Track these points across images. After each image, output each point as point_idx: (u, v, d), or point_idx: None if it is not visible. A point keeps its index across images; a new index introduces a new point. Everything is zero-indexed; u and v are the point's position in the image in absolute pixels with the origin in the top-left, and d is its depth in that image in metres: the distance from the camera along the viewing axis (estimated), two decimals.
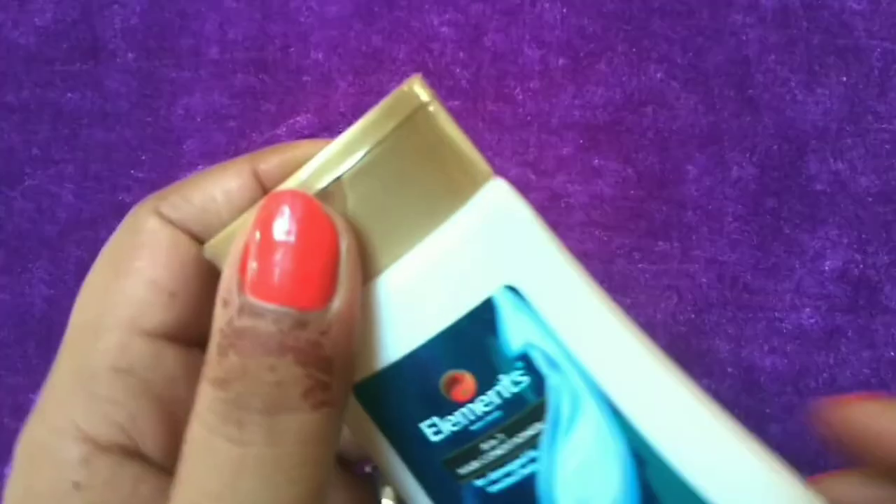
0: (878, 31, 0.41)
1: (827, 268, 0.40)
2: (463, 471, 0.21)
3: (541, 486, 0.20)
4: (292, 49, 0.42)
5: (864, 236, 0.40)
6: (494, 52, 0.42)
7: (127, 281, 0.23)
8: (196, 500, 0.18)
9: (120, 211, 0.41)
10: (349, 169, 0.19)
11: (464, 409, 0.20)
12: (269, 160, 0.23)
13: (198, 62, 0.42)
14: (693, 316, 0.40)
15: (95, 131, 0.42)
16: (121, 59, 0.42)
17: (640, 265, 0.40)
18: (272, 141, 0.41)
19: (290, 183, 0.19)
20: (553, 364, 0.20)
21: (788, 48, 0.41)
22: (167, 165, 0.41)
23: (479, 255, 0.20)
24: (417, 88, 0.20)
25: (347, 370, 0.19)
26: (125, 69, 0.42)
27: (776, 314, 0.40)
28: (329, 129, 0.41)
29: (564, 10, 0.42)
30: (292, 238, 0.18)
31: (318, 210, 0.18)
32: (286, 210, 0.18)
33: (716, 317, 0.40)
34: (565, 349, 0.20)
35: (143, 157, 0.41)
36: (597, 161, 0.41)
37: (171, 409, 0.21)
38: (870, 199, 0.40)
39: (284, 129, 0.41)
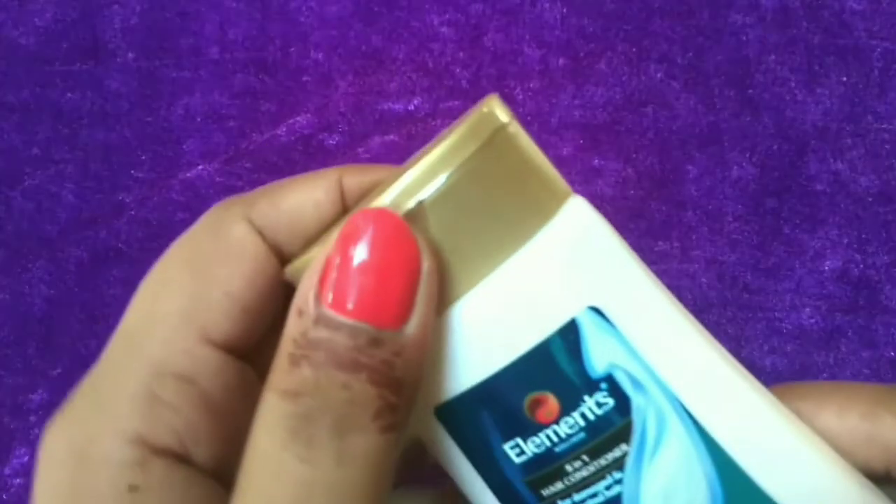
0: (878, 31, 0.41)
1: (827, 268, 0.40)
2: (547, 492, 0.21)
3: None
4: (292, 49, 0.42)
5: (864, 236, 0.40)
6: (494, 52, 0.42)
7: (204, 287, 0.22)
8: None
9: (120, 211, 0.41)
10: (432, 192, 0.19)
11: (548, 431, 0.20)
12: (355, 176, 0.23)
13: (198, 62, 0.42)
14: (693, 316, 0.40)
15: (95, 131, 0.42)
16: (121, 59, 0.42)
17: None
18: (272, 141, 0.41)
19: (376, 202, 0.19)
20: (638, 385, 0.20)
21: (788, 48, 0.41)
22: (167, 165, 0.41)
23: (562, 276, 0.20)
24: (497, 110, 0.20)
25: (414, 394, 0.19)
26: (125, 69, 0.42)
27: (776, 314, 0.40)
28: (329, 128, 0.41)
29: (564, 10, 0.42)
30: (376, 255, 0.18)
31: (403, 230, 0.18)
32: (372, 227, 0.18)
33: (716, 317, 0.40)
34: (650, 370, 0.20)
35: (143, 157, 0.41)
36: (597, 161, 0.41)
37: (225, 419, 0.21)
38: (870, 199, 0.40)
39: (284, 129, 0.41)
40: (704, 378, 0.21)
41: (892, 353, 0.39)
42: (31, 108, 0.42)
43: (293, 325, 0.18)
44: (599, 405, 0.20)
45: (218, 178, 0.41)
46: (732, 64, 0.41)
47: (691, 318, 0.22)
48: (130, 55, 0.42)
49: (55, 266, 0.41)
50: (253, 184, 0.41)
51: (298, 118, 0.41)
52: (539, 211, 0.20)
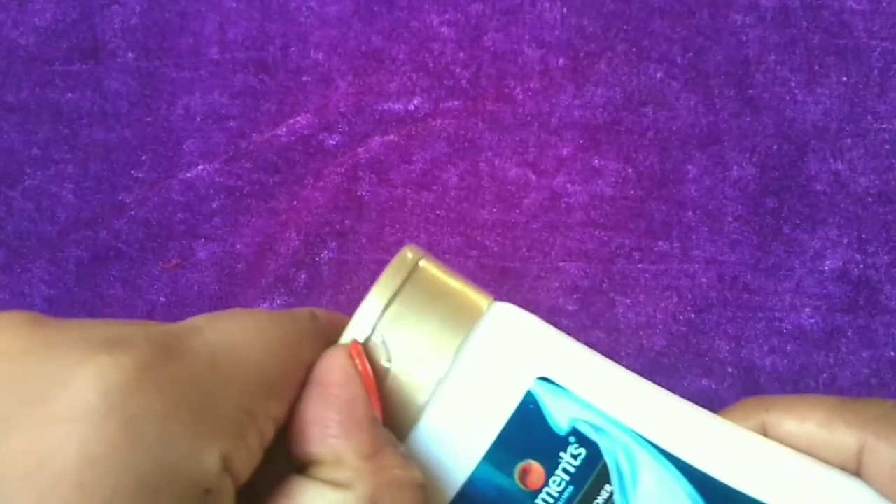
0: (878, 31, 0.41)
1: (827, 268, 0.40)
2: None
3: None
4: (292, 49, 0.42)
5: (864, 236, 0.40)
6: (494, 52, 0.42)
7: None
8: None
9: (120, 211, 0.41)
10: (377, 322, 0.23)
11: (542, 495, 0.22)
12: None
13: (198, 62, 0.42)
14: (693, 316, 0.40)
15: (95, 131, 0.42)
16: (121, 59, 0.42)
17: (640, 265, 0.40)
18: (272, 141, 0.41)
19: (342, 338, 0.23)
20: (599, 430, 0.23)
21: (788, 48, 0.41)
22: (167, 165, 0.41)
23: (505, 359, 0.23)
24: (409, 253, 0.24)
25: None
26: (125, 69, 0.42)
27: (776, 314, 0.40)
28: (329, 129, 0.41)
29: (564, 10, 0.42)
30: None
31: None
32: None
33: (716, 317, 0.40)
34: (604, 415, 0.23)
35: (143, 157, 0.41)
36: (597, 161, 0.41)
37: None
38: (870, 199, 0.40)
39: (284, 129, 0.41)
40: (650, 409, 0.24)
41: (892, 353, 0.39)
42: (31, 108, 0.42)
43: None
44: (574, 457, 0.23)
45: (218, 178, 0.41)
46: (732, 64, 0.41)
47: (614, 363, 0.25)
48: (130, 55, 0.42)
49: (55, 266, 0.41)
50: (253, 184, 0.41)
51: (298, 118, 0.41)
52: (468, 317, 0.23)
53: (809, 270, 0.40)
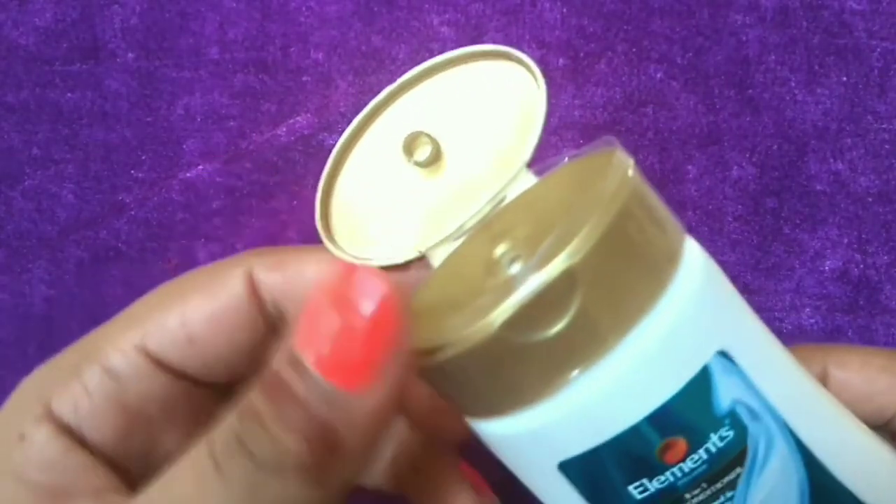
0: (878, 31, 0.41)
1: (827, 268, 0.40)
2: None
3: None
4: (292, 49, 0.42)
5: (864, 236, 0.40)
6: None
7: (167, 307, 0.25)
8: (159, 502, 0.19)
9: (120, 211, 0.41)
10: (581, 257, 0.19)
11: (674, 469, 0.21)
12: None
13: (198, 62, 0.42)
14: None
15: (95, 131, 0.42)
16: (121, 59, 0.42)
17: None
18: (272, 141, 0.41)
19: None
20: (754, 415, 0.21)
21: (788, 48, 0.41)
22: (167, 165, 0.41)
23: (696, 327, 0.20)
24: (618, 157, 0.21)
25: (357, 459, 0.19)
26: (125, 69, 0.42)
27: (776, 314, 0.40)
28: (329, 128, 0.41)
29: (564, 10, 0.42)
30: (365, 323, 0.18)
31: (394, 306, 0.19)
32: (377, 293, 0.19)
33: None
34: (764, 400, 0.21)
35: (143, 157, 0.41)
36: None
37: (134, 418, 0.23)
38: (870, 199, 0.40)
39: (284, 129, 0.41)
40: (801, 398, 0.23)
41: None
42: (30, 108, 0.42)
43: (276, 356, 0.19)
44: (722, 439, 0.21)
45: (218, 178, 0.41)
46: (732, 64, 0.41)
47: (783, 346, 0.24)
48: (130, 55, 0.42)
49: (55, 266, 0.41)
50: (253, 184, 0.41)
51: (298, 118, 0.41)
52: (667, 261, 0.20)
53: (809, 270, 0.40)
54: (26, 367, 0.40)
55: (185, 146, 0.41)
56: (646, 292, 0.20)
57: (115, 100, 0.42)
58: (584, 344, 0.20)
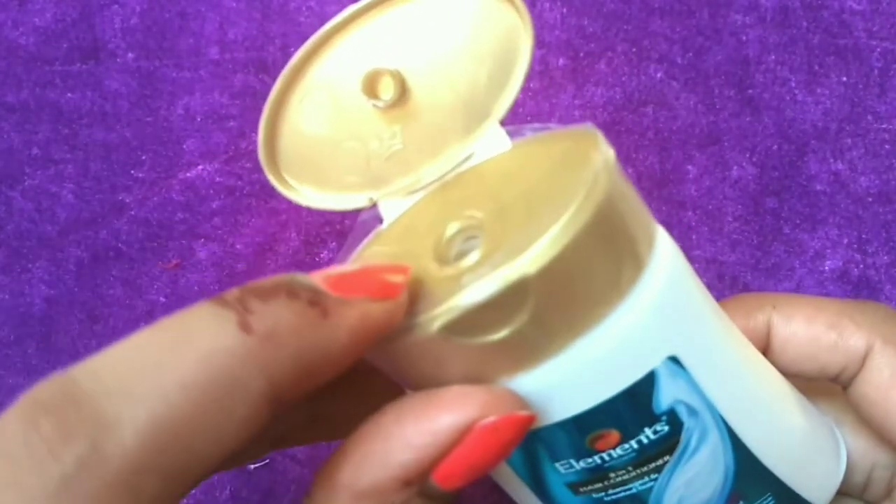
0: (878, 31, 0.41)
1: (827, 268, 0.40)
2: (584, 489, 0.21)
3: (653, 494, 0.21)
4: (292, 49, 0.42)
5: (864, 236, 0.40)
6: None
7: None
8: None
9: (120, 211, 0.41)
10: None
11: (602, 455, 0.21)
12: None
13: (198, 62, 0.42)
14: None
15: (95, 131, 0.42)
16: (121, 59, 0.42)
17: None
18: None
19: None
20: (692, 412, 0.21)
21: (788, 48, 0.41)
22: (167, 165, 0.41)
23: (649, 336, 0.20)
24: (599, 151, 0.20)
25: (302, 355, 0.18)
26: (125, 69, 0.42)
27: None
28: None
29: (564, 10, 0.42)
30: (360, 269, 0.19)
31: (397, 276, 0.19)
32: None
33: None
34: (706, 398, 0.21)
35: (143, 157, 0.41)
36: None
37: None
38: (870, 199, 0.40)
39: None
40: (742, 393, 0.22)
41: None
42: (31, 108, 0.42)
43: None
44: (656, 433, 0.21)
45: (218, 178, 0.41)
46: (732, 64, 0.41)
47: (738, 334, 0.23)
48: (130, 55, 0.42)
49: (55, 266, 0.41)
50: (253, 184, 0.41)
51: None
52: (631, 269, 0.20)
53: (809, 270, 0.40)
54: (26, 368, 0.40)
55: (185, 146, 0.41)
56: (601, 303, 0.19)
57: (115, 100, 0.42)
58: (531, 348, 0.19)
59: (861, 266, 0.40)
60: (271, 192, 0.41)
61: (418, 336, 0.19)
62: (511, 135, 0.25)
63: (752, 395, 0.23)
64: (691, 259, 0.40)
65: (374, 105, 0.24)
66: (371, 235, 0.24)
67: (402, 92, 0.24)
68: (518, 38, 0.24)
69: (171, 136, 0.41)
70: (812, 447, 0.24)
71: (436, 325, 0.19)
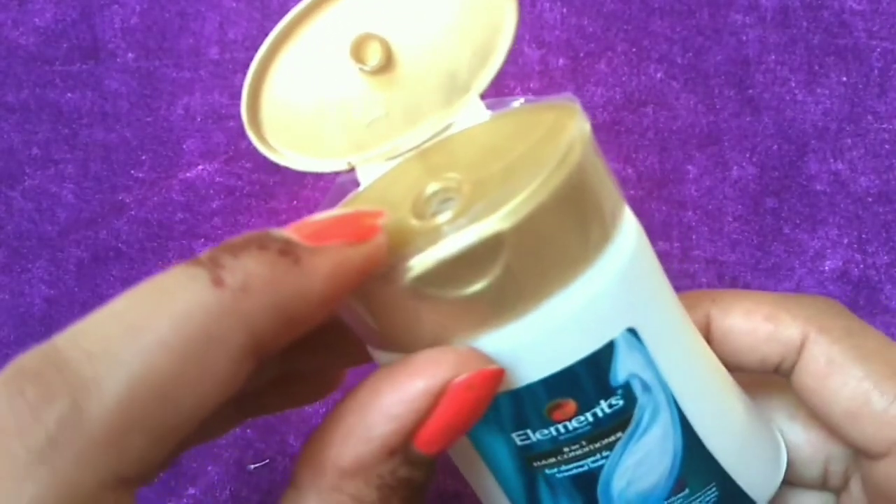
0: (878, 31, 0.41)
1: (827, 268, 0.40)
2: (538, 463, 0.22)
3: (604, 473, 0.22)
4: None
5: (864, 236, 0.40)
6: None
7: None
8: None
9: (120, 211, 0.41)
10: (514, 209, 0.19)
11: (558, 426, 0.21)
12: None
13: (198, 62, 0.42)
14: None
15: (95, 131, 0.42)
16: (121, 59, 0.42)
17: None
18: None
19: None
20: (646, 387, 0.21)
21: (788, 48, 0.41)
22: (167, 165, 0.41)
23: (611, 305, 0.21)
24: (576, 123, 0.20)
25: (267, 293, 0.19)
26: (125, 69, 0.42)
27: None
28: None
29: (564, 10, 0.42)
30: (343, 213, 0.20)
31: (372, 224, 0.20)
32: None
33: None
34: (660, 375, 0.22)
35: (143, 157, 0.41)
36: None
37: None
38: (870, 199, 0.40)
39: None
40: (693, 374, 0.23)
41: None
42: (31, 108, 0.42)
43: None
44: (611, 406, 0.21)
45: (218, 178, 0.41)
46: (732, 64, 0.41)
47: (691, 322, 0.24)
48: (130, 55, 0.42)
49: (55, 266, 0.41)
50: (253, 184, 0.41)
51: None
52: (599, 237, 0.20)
53: (809, 270, 0.40)
54: None
55: (185, 146, 0.41)
56: (570, 266, 0.20)
57: (115, 100, 0.42)
58: (501, 306, 0.19)
59: (861, 266, 0.40)
60: (271, 193, 0.41)
61: (393, 285, 0.19)
62: (492, 107, 0.25)
63: (701, 379, 0.23)
64: (691, 259, 0.40)
65: (361, 69, 0.25)
66: (348, 196, 0.25)
67: (388, 60, 0.25)
68: (504, 15, 0.25)
69: (171, 136, 0.41)
70: (755, 441, 0.25)
71: (410, 274, 0.19)
